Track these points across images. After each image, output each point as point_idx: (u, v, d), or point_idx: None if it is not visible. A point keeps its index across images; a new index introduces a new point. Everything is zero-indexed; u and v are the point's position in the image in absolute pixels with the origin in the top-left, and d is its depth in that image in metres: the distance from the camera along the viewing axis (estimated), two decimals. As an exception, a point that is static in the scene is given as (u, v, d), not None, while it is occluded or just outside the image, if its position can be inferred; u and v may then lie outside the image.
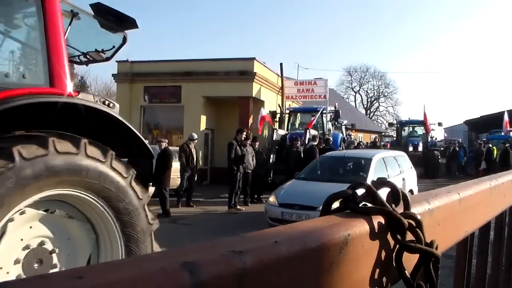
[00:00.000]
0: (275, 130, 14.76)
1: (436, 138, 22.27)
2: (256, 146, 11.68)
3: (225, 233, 6.99)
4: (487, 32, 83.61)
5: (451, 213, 0.78)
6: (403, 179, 8.99)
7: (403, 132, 22.40)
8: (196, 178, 11.35)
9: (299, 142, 11.70)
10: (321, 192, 6.68)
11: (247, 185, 10.86)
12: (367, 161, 8.27)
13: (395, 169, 8.82)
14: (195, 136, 11.21)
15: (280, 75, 17.87)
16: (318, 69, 59.42)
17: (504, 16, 79.45)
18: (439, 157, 19.73)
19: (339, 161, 9.08)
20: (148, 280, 0.34)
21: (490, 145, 17.61)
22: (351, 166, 8.81)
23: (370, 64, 75.83)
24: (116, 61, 17.47)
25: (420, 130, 21.87)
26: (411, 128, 22.63)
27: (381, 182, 0.65)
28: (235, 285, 0.39)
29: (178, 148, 11.34)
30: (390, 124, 28.54)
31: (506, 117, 18.98)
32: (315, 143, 11.65)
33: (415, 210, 0.65)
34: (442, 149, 23.44)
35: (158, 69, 16.94)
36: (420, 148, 19.60)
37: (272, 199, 7.76)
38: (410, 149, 18.78)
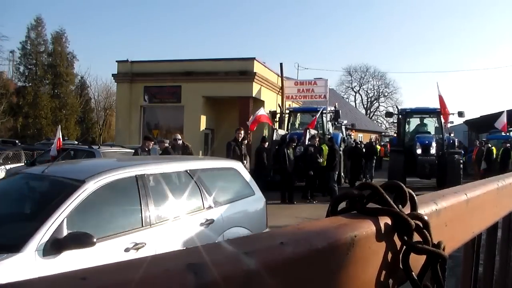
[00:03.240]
0: (275, 130, 14.75)
1: (452, 135, 15.25)
2: (266, 145, 12.10)
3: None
4: (486, 33, 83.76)
5: (459, 214, 0.78)
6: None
7: (407, 126, 15.43)
8: None
9: (295, 143, 11.74)
10: None
11: None
12: (65, 194, 3.14)
13: (182, 205, 4.00)
14: (178, 136, 9.81)
15: (280, 75, 17.88)
16: (318, 69, 59.54)
17: (504, 16, 79.58)
18: (462, 163, 13.46)
19: (29, 185, 4.07)
20: (152, 282, 0.34)
21: (490, 145, 17.56)
22: (36, 200, 3.87)
23: (370, 64, 76.26)
24: (116, 61, 17.51)
25: (431, 124, 15.17)
26: (418, 120, 15.54)
27: (389, 184, 0.64)
28: (240, 287, 0.39)
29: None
30: (389, 114, 19.87)
31: (504, 118, 15.83)
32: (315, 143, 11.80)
33: (422, 211, 0.65)
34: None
35: (158, 69, 16.97)
36: (433, 150, 13.24)
37: None
38: (418, 151, 13.23)
